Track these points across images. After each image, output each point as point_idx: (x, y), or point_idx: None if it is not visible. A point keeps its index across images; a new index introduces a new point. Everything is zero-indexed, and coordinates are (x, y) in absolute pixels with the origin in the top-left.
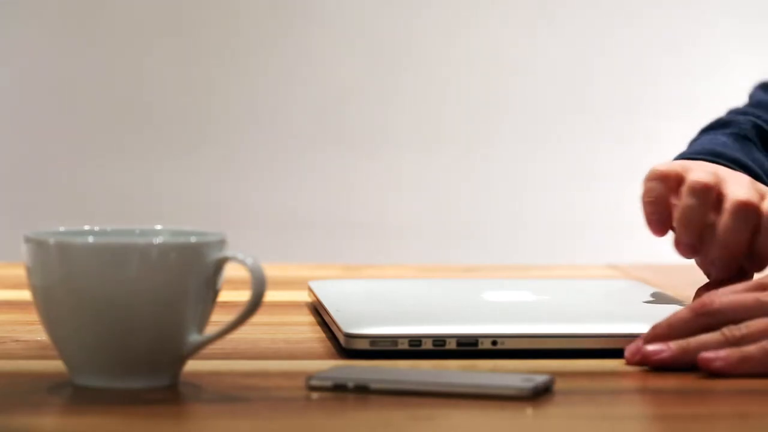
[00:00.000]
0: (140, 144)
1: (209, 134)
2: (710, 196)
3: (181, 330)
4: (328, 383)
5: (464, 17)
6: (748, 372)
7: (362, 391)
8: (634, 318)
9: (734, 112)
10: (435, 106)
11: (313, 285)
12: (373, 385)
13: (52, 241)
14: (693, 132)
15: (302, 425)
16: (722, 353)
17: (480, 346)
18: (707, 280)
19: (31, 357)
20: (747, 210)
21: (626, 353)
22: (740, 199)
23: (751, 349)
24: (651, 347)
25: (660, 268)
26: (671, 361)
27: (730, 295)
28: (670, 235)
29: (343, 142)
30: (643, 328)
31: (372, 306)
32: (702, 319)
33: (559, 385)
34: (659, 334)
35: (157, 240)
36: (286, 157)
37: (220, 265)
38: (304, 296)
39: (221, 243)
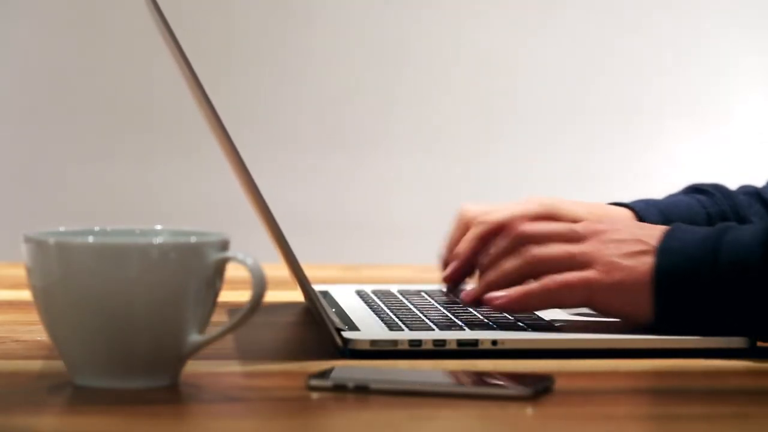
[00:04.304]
0: (140, 144)
1: (209, 134)
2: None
3: (181, 330)
4: (328, 383)
5: (464, 17)
6: (532, 307)
7: (362, 391)
8: None
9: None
10: (435, 106)
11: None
12: (373, 385)
13: (52, 241)
14: (692, 132)
15: (302, 425)
16: (504, 293)
17: (480, 346)
18: None
19: (31, 357)
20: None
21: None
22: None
23: (533, 285)
24: (465, 293)
25: None
26: (478, 298)
27: (547, 247)
28: None
29: (343, 143)
30: (642, 328)
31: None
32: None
33: (559, 385)
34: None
35: (157, 240)
36: (286, 157)
37: (220, 265)
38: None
39: (221, 243)
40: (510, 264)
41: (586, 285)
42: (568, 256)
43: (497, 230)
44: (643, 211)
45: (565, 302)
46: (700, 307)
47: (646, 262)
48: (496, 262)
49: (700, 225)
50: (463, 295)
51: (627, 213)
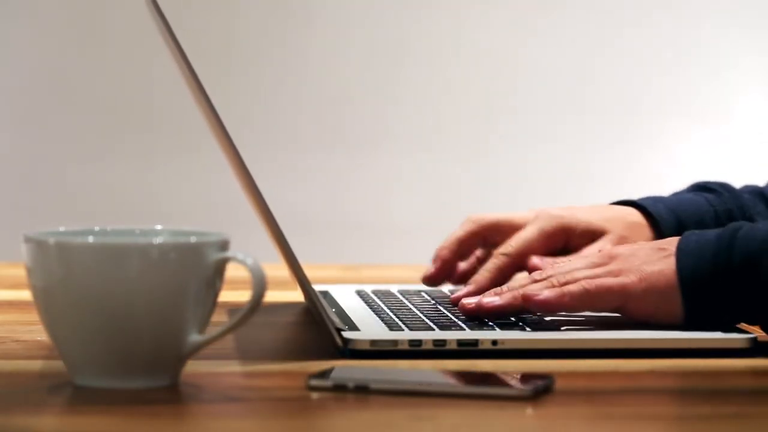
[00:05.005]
0: (140, 144)
1: (209, 134)
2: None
3: (181, 330)
4: (328, 383)
5: (464, 17)
6: (569, 306)
7: (362, 391)
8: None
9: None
10: (435, 106)
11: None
12: (373, 385)
13: (52, 241)
14: (692, 132)
15: (302, 425)
16: (545, 291)
17: (480, 346)
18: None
19: (31, 357)
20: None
21: (460, 306)
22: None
23: (571, 287)
24: (486, 299)
25: None
26: (504, 307)
27: (576, 272)
28: None
29: (343, 142)
30: (642, 328)
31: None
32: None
33: (559, 385)
34: (497, 290)
35: (157, 240)
36: (286, 156)
37: (220, 265)
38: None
39: (221, 243)
40: (537, 285)
41: (623, 290)
42: (594, 275)
43: (488, 231)
44: (651, 207)
45: (599, 306)
46: (722, 305)
47: (671, 263)
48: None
49: (708, 223)
50: (488, 305)
51: (635, 212)
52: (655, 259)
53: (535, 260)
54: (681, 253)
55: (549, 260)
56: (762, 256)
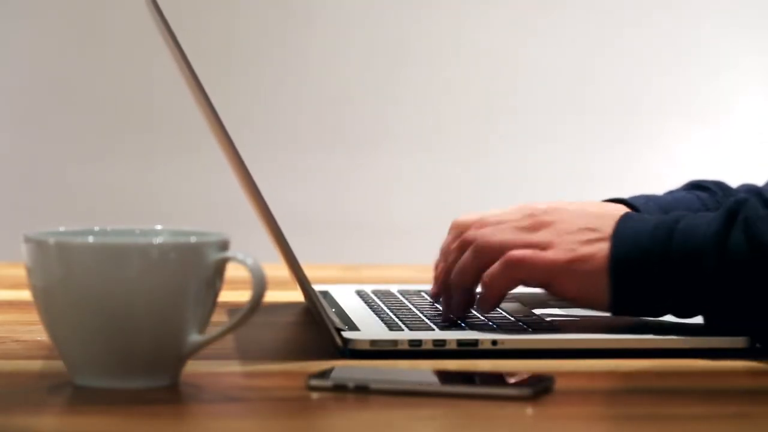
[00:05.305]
0: (140, 144)
1: (209, 134)
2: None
3: (181, 330)
4: (328, 383)
5: (464, 17)
6: (494, 288)
7: (362, 391)
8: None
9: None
10: (435, 106)
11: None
12: (373, 385)
13: (52, 241)
14: (692, 131)
15: (302, 425)
16: (482, 305)
17: (480, 346)
18: None
19: (31, 357)
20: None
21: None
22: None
23: (494, 266)
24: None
25: None
26: (450, 313)
27: (499, 233)
28: None
29: (343, 142)
30: (642, 328)
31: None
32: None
33: (559, 385)
34: (436, 276)
35: (157, 240)
36: (286, 156)
37: (220, 265)
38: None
39: (221, 243)
40: (463, 259)
41: (548, 265)
42: (522, 242)
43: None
44: (643, 206)
45: (525, 279)
46: (653, 295)
47: (603, 248)
48: (452, 265)
49: None
50: (443, 315)
51: (624, 210)
52: (587, 240)
53: (462, 217)
54: (615, 238)
55: (475, 215)
56: (704, 251)
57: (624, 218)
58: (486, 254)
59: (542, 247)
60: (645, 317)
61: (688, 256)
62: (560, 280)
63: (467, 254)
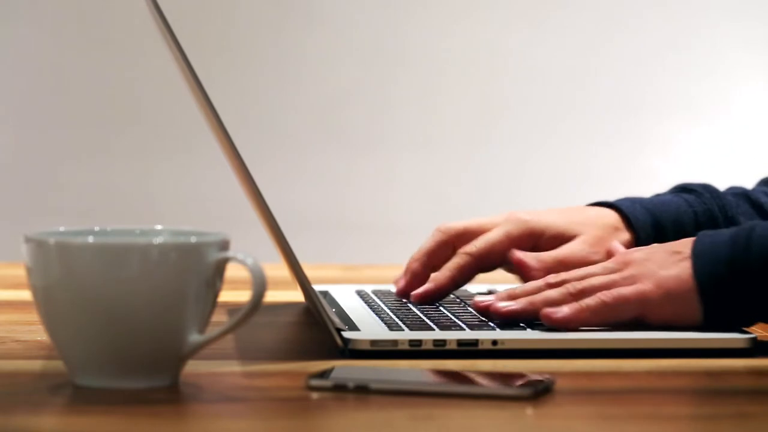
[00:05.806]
0: (141, 144)
1: (209, 133)
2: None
3: (181, 330)
4: (328, 383)
5: (463, 17)
6: (587, 322)
7: (362, 391)
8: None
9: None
10: (434, 106)
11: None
12: (373, 385)
13: (52, 241)
14: (690, 129)
15: (302, 425)
16: (563, 308)
17: (480, 346)
18: None
19: (31, 357)
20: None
21: (474, 306)
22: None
23: (588, 301)
24: (501, 303)
25: None
26: (518, 313)
27: (590, 279)
28: None
29: (342, 142)
30: (642, 328)
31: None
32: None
33: (559, 385)
34: (511, 294)
35: (157, 240)
36: (286, 156)
37: (220, 265)
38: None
39: (221, 243)
40: (554, 292)
41: (641, 298)
42: (611, 281)
43: (458, 239)
44: (629, 209)
45: (620, 316)
46: (743, 304)
47: (687, 267)
48: (533, 293)
49: (686, 223)
50: (503, 310)
51: (610, 214)
52: (670, 264)
53: (517, 254)
54: (696, 256)
55: (531, 255)
56: None
57: (699, 236)
58: (578, 298)
59: (630, 282)
60: (739, 327)
61: (766, 263)
62: (654, 310)
63: (558, 292)
